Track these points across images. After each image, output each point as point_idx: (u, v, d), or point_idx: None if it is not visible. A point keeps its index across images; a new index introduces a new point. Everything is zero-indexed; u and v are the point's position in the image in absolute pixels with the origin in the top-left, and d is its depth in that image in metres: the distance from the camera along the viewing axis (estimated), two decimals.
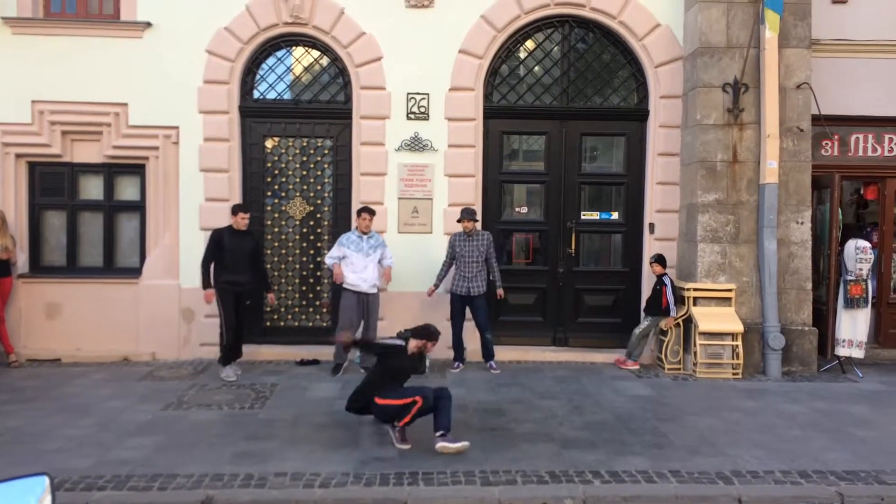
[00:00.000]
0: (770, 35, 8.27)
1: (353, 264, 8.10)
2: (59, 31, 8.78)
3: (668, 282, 8.52)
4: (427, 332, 6.20)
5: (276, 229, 9.23)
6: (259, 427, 6.26)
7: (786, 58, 8.49)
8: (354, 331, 8.13)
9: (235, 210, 8.00)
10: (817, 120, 8.64)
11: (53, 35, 8.76)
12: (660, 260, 8.62)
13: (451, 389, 7.22)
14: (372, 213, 8.28)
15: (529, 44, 9.30)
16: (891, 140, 9.22)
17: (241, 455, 5.54)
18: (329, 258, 8.22)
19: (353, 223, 8.59)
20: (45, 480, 2.03)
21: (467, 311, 8.54)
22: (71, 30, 8.79)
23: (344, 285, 8.20)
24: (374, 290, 8.26)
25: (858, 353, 8.46)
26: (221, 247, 7.83)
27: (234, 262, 7.83)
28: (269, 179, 9.22)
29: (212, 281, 7.89)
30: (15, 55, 8.74)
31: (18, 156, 8.94)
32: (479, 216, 8.77)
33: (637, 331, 8.67)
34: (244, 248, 7.94)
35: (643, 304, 8.95)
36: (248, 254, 7.99)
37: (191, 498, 4.78)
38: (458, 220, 8.40)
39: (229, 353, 7.97)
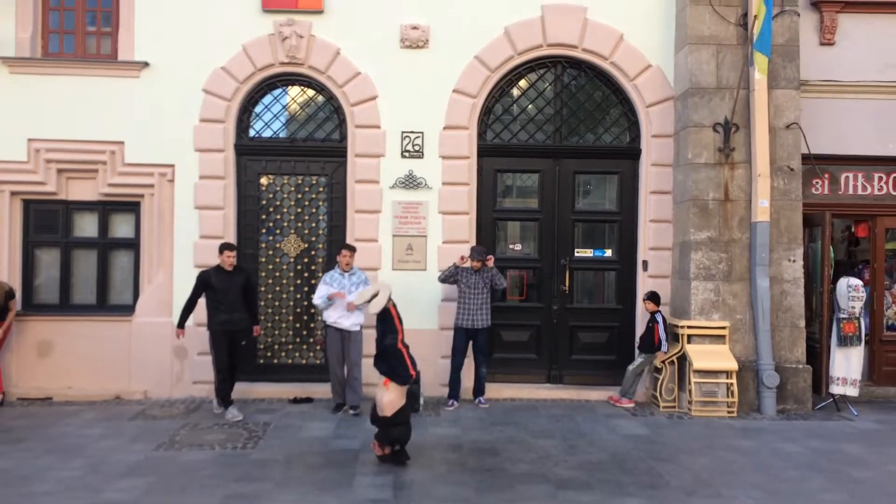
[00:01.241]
0: (759, 76, 8.40)
1: (334, 302, 8.11)
2: (57, 70, 8.86)
3: (660, 319, 8.54)
4: None
5: (271, 266, 9.23)
6: (251, 468, 6.20)
7: (775, 98, 8.61)
8: (339, 367, 8.18)
9: (221, 249, 7.95)
10: (807, 159, 8.75)
11: (51, 74, 8.84)
12: (653, 297, 8.65)
13: (446, 428, 7.25)
14: (352, 249, 8.31)
15: (523, 83, 9.42)
16: (881, 179, 9.33)
17: (233, 497, 5.47)
18: (317, 298, 8.17)
19: (355, 260, 8.60)
20: None
21: (469, 348, 8.54)
22: (68, 69, 8.87)
23: (327, 322, 8.20)
24: (357, 328, 8.21)
25: (853, 391, 8.45)
26: (210, 287, 7.81)
27: (226, 301, 7.80)
28: (263, 217, 9.24)
29: (206, 322, 7.92)
30: (12, 94, 8.81)
31: (13, 193, 8.95)
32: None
33: (631, 368, 8.64)
34: (234, 285, 7.91)
35: (637, 342, 8.95)
36: (240, 291, 7.96)
37: None
38: (469, 257, 8.42)
39: (225, 394, 7.89)
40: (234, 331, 7.88)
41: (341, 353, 8.20)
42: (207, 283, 7.82)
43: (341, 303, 8.06)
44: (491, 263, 8.51)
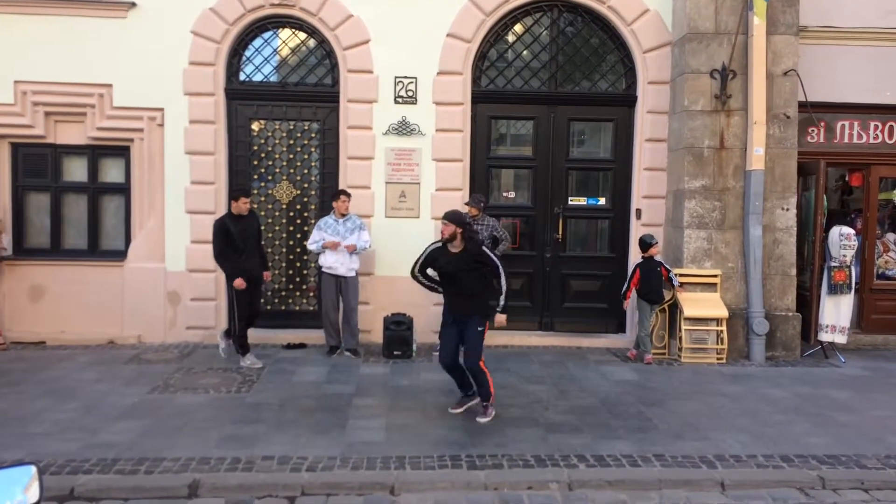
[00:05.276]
0: (758, 21, 8.27)
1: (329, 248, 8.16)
2: (42, 10, 8.63)
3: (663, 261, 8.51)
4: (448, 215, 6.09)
5: (263, 213, 9.16)
6: (246, 411, 6.26)
7: (773, 44, 8.50)
8: (334, 312, 8.22)
9: (238, 195, 7.75)
10: (804, 107, 8.67)
11: (36, 14, 8.63)
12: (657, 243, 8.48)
13: (438, 374, 7.27)
14: (348, 195, 8.31)
15: (518, 28, 9.26)
16: (876, 127, 9.27)
17: (228, 439, 5.54)
18: (312, 244, 8.23)
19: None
20: (32, 470, 2.02)
21: None
22: (54, 9, 8.64)
23: (322, 269, 8.24)
24: (352, 274, 8.28)
25: (841, 339, 8.55)
26: (230, 235, 7.60)
27: (244, 247, 7.67)
28: (255, 163, 9.16)
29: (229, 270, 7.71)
30: None
31: (1, 136, 8.84)
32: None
33: (647, 322, 8.30)
34: (250, 231, 7.82)
35: (632, 293, 8.43)
36: (254, 237, 7.90)
37: (177, 482, 4.78)
38: (466, 203, 8.34)
39: (244, 340, 7.81)
40: (250, 277, 7.75)
41: (336, 299, 8.27)
42: (226, 230, 7.61)
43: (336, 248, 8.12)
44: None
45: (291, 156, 9.18)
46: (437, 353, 8.33)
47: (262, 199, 9.17)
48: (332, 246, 8.11)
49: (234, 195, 7.83)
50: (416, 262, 6.29)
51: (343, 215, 8.25)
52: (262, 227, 9.07)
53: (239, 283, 7.55)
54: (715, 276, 8.51)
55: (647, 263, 8.33)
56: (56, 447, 5.29)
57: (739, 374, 7.84)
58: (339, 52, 8.90)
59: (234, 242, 7.65)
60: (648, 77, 9.01)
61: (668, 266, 8.43)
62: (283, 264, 9.25)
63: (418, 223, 8.94)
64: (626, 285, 8.49)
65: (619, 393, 7.03)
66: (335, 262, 8.18)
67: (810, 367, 8.21)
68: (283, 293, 9.30)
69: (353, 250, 8.17)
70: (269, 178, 9.19)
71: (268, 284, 9.07)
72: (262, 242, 8.24)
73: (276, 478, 4.86)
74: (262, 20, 8.93)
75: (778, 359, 8.47)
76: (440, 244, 6.17)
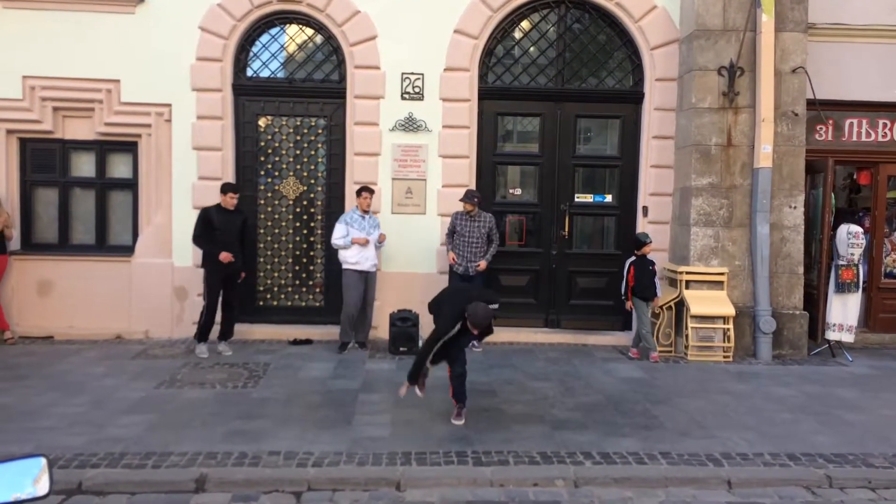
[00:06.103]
0: (766, 18, 8.24)
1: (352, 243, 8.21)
2: (51, 5, 8.65)
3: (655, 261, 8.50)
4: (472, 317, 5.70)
5: (270, 209, 9.19)
6: (252, 406, 6.28)
7: (782, 41, 8.46)
8: (357, 308, 8.25)
9: (225, 189, 7.98)
10: (812, 104, 8.64)
11: (45, 9, 8.65)
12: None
13: (443, 371, 7.24)
14: (371, 191, 8.37)
15: (525, 24, 9.24)
16: (885, 125, 9.23)
17: (234, 434, 5.55)
18: (339, 238, 8.20)
19: (354, 202, 8.53)
20: (42, 461, 2.02)
21: None
22: (62, 4, 8.66)
23: (345, 266, 8.24)
24: (374, 269, 8.39)
25: (848, 338, 8.51)
26: (211, 225, 7.83)
27: (224, 240, 7.83)
28: (262, 158, 9.17)
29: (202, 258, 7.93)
30: (5, 30, 8.63)
31: (9, 132, 8.86)
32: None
33: (646, 319, 8.28)
34: (234, 226, 7.96)
35: (630, 291, 8.33)
36: (238, 232, 8.01)
37: (184, 476, 4.79)
38: (460, 200, 8.38)
39: (207, 331, 7.98)
40: (229, 271, 7.92)
41: (357, 294, 8.30)
42: (209, 220, 7.83)
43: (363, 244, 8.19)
44: (482, 268, 8.34)
45: (298, 152, 9.18)
46: None
47: (269, 194, 9.19)
48: (362, 242, 8.15)
49: (222, 189, 8.00)
50: (430, 353, 5.85)
51: (366, 211, 8.29)
52: (269, 223, 9.14)
53: (225, 256, 7.79)
54: (722, 273, 8.48)
55: (640, 261, 8.32)
56: (63, 441, 5.31)
57: (746, 373, 7.83)
58: (345, 48, 8.90)
59: (215, 234, 7.81)
60: (656, 74, 8.99)
61: (657, 267, 8.41)
62: (290, 260, 9.26)
63: (424, 219, 8.95)
64: (623, 285, 8.42)
65: (625, 390, 7.02)
66: (361, 258, 8.22)
67: (817, 366, 8.18)
68: (290, 289, 9.31)
69: (382, 240, 8.39)
70: (276, 173, 9.20)
71: (275, 279, 9.14)
72: (253, 239, 8.30)
73: (282, 473, 4.87)
74: (270, 16, 8.94)
75: (785, 357, 8.45)
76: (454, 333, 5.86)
